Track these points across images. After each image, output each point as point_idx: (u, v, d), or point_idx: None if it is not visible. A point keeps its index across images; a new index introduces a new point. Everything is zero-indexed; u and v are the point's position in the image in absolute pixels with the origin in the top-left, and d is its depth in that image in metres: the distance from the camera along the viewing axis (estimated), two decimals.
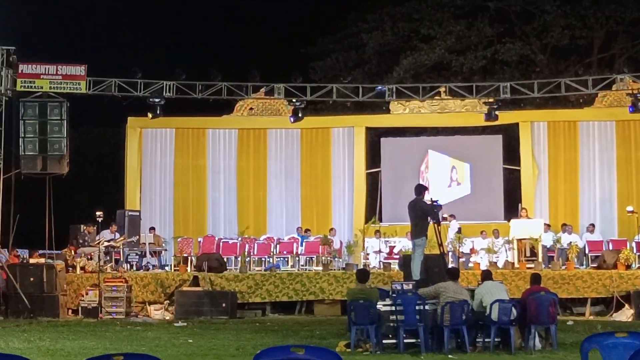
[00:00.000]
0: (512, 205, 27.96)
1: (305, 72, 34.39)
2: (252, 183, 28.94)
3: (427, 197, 17.62)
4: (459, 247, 23.96)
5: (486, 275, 16.12)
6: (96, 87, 24.74)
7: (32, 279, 21.99)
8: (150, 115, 25.60)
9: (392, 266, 23.54)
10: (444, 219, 18.27)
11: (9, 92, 24.02)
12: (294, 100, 26.02)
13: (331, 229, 26.75)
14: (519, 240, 24.40)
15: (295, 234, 26.88)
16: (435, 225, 16.90)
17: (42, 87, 24.29)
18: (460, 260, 23.76)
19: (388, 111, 27.86)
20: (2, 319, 21.38)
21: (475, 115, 27.20)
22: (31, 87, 24.26)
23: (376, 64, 36.64)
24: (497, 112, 26.10)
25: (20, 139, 24.13)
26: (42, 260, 23.08)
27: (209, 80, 25.34)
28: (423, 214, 16.84)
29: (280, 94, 26.13)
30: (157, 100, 25.16)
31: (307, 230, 26.80)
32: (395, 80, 32.18)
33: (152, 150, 28.81)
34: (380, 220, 28.11)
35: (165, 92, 25.19)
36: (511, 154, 29.04)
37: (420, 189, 17.58)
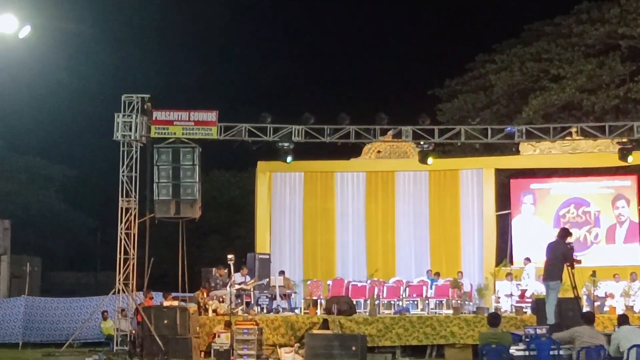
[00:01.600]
0: None
1: (433, 114, 34.33)
2: (381, 225, 28.91)
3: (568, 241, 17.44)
4: (594, 290, 23.36)
5: (623, 320, 15.67)
6: (227, 133, 25.12)
7: (165, 321, 22.35)
8: (289, 158, 25.60)
9: (524, 310, 23.11)
10: (578, 261, 17.85)
11: (143, 139, 24.62)
12: (421, 142, 25.90)
13: (459, 272, 26.46)
14: None
15: (424, 277, 26.67)
16: (569, 268, 16.62)
17: (175, 134, 24.81)
18: (595, 304, 23.15)
19: (517, 152, 27.48)
20: None
21: (608, 155, 26.54)
22: (165, 133, 24.80)
23: (505, 104, 36.30)
24: (631, 152, 25.43)
25: (154, 184, 24.64)
26: (176, 303, 23.48)
27: (337, 124, 25.46)
28: (563, 257, 16.61)
29: (408, 137, 26.05)
30: (286, 144, 25.39)
31: (436, 274, 26.57)
32: (525, 120, 31.78)
33: (281, 193, 29.11)
34: (511, 262, 27.71)
35: (294, 136, 25.41)
36: None
37: (565, 233, 17.39)
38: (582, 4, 35.50)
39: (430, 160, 25.89)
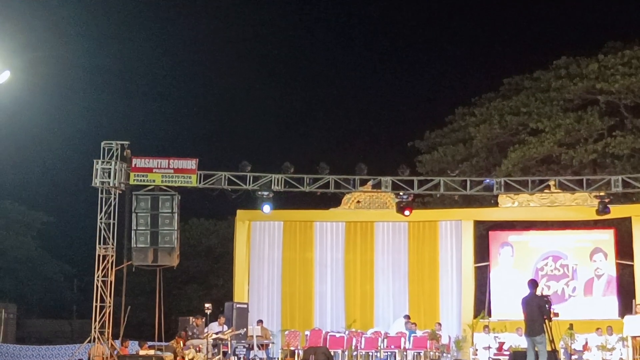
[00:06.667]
0: (627, 301, 27.20)
1: (412, 165, 34.47)
2: (359, 276, 28.81)
3: (538, 291, 17.41)
4: (571, 343, 23.34)
5: None
6: (206, 181, 25.09)
7: None
8: (267, 208, 25.47)
9: None
10: (555, 314, 17.82)
11: (122, 186, 24.56)
12: (401, 193, 25.94)
13: (438, 324, 26.41)
14: (634, 337, 23.68)
15: (402, 327, 26.54)
16: (547, 320, 16.60)
17: (154, 181, 24.76)
18: (573, 357, 23.14)
19: (496, 204, 27.59)
20: None
21: (586, 209, 26.73)
22: (144, 180, 24.76)
23: (484, 157, 36.46)
24: (609, 206, 25.57)
25: (132, 231, 24.52)
26: (152, 352, 23.27)
27: (317, 174, 25.50)
28: (540, 310, 16.59)
29: (388, 187, 26.08)
30: (265, 193, 25.37)
31: (414, 324, 26.38)
32: (504, 173, 31.94)
33: (260, 242, 29.00)
34: (490, 315, 27.66)
35: (274, 186, 25.40)
36: (624, 248, 28.35)
37: (534, 284, 17.40)
38: (560, 59, 35.82)
39: (407, 212, 25.91)
